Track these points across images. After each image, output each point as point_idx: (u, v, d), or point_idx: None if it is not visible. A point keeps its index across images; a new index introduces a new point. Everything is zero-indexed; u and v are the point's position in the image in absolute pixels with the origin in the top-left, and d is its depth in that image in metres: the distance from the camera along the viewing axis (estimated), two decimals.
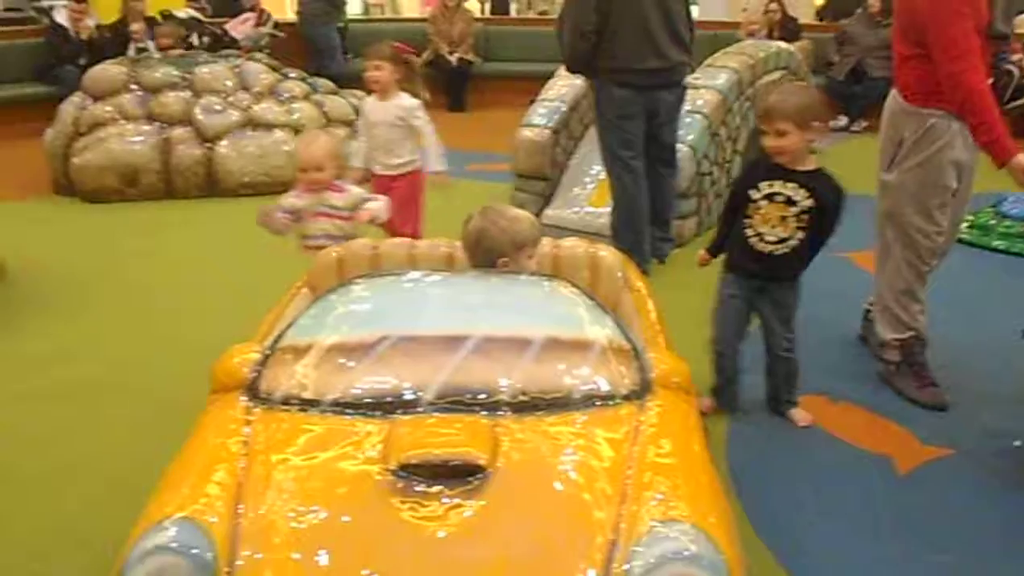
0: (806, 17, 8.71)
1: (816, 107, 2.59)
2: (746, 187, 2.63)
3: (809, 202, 2.55)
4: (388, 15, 12.60)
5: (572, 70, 3.98)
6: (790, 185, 2.55)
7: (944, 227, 2.96)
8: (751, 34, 7.58)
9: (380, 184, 3.59)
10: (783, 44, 5.61)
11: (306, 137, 3.14)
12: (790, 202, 2.56)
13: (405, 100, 3.64)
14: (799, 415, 2.80)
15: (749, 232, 2.63)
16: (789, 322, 2.78)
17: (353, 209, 2.96)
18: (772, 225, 2.59)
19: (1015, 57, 2.88)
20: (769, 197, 2.58)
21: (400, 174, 3.64)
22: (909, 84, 2.85)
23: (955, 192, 2.91)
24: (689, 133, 4.51)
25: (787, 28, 7.95)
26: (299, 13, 8.78)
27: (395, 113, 3.61)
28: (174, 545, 1.34)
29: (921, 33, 2.73)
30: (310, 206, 2.95)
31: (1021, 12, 2.74)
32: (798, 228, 2.59)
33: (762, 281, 2.71)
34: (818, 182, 2.57)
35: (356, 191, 3.04)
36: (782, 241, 2.61)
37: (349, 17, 8.81)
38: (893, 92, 2.95)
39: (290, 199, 2.99)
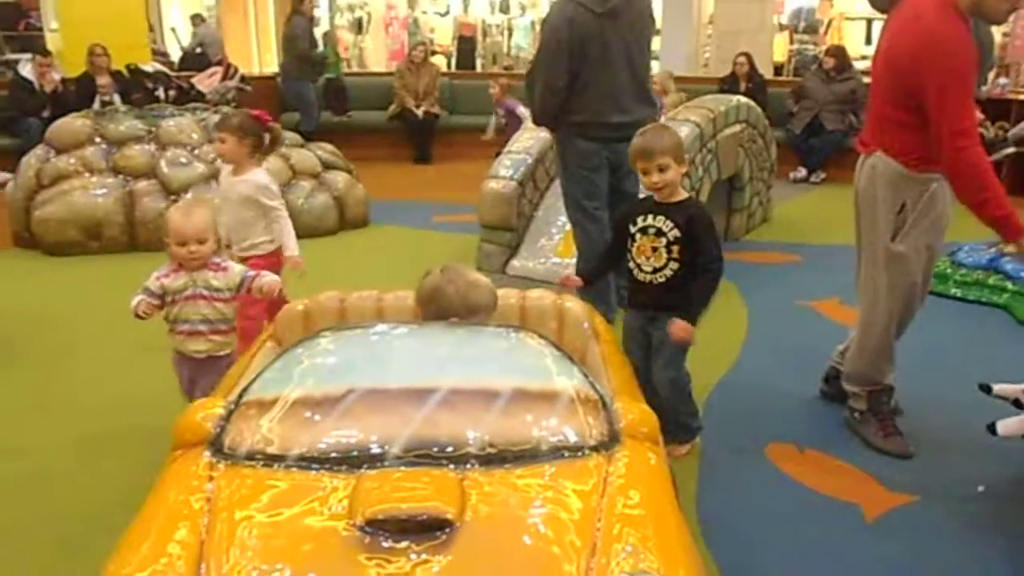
0: (766, 72, 8.96)
1: (683, 144, 2.82)
2: (626, 222, 2.82)
3: (676, 232, 2.70)
4: (355, 69, 12.73)
5: (540, 123, 4.05)
6: (659, 217, 2.73)
7: (905, 321, 3.00)
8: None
9: None
10: (743, 98, 5.76)
11: (182, 207, 2.70)
12: (660, 233, 2.73)
13: (258, 176, 3.27)
14: (674, 450, 2.78)
15: (631, 264, 2.81)
16: (673, 360, 2.83)
17: (235, 290, 2.65)
18: (646, 256, 2.76)
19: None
20: (643, 230, 2.76)
21: (251, 255, 3.21)
22: (907, 151, 2.74)
23: None
24: None
25: (753, 81, 8.19)
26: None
27: (242, 190, 3.24)
28: None
29: (919, 99, 2.62)
30: (183, 287, 2.60)
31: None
32: (669, 259, 2.73)
33: (652, 311, 2.81)
34: (685, 212, 2.72)
35: (237, 268, 2.69)
36: (656, 271, 2.75)
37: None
38: (882, 157, 2.81)
39: (158, 280, 2.61)
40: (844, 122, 7.78)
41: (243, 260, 3.09)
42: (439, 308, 2.16)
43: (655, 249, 2.72)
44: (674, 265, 2.72)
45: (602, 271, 3.11)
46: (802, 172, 7.90)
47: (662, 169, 2.67)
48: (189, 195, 5.45)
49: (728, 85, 8.11)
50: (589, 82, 3.75)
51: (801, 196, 7.31)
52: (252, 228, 3.27)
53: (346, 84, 9.07)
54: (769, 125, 6.03)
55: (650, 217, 2.74)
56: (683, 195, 2.76)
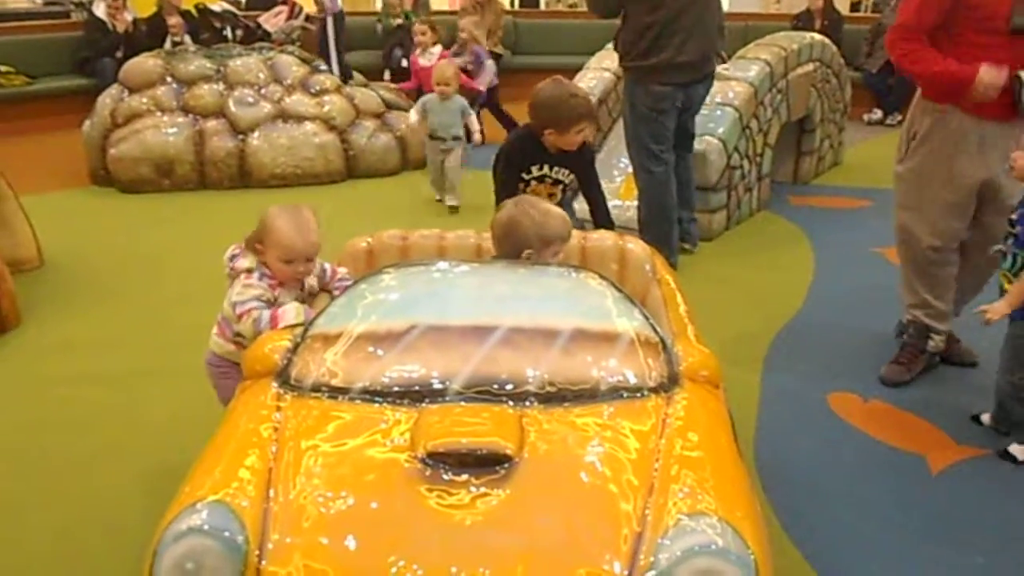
0: (843, 8, 8.57)
1: None
2: (518, 170, 3.01)
3: (571, 177, 3.03)
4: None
5: (597, 10, 3.96)
6: (556, 168, 2.99)
7: (940, 237, 2.90)
8: None
9: None
10: (817, 36, 5.53)
11: (290, 216, 2.18)
12: (556, 183, 3.02)
13: None
14: None
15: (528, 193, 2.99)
16: None
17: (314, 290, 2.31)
18: (543, 196, 2.90)
19: None
20: (539, 178, 2.99)
21: None
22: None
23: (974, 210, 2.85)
24: (720, 126, 4.47)
25: (829, 18, 7.84)
26: None
27: None
28: (206, 527, 1.36)
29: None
30: (280, 300, 2.21)
31: None
32: (562, 195, 3.09)
33: None
34: (574, 156, 2.97)
35: (315, 265, 2.28)
36: None
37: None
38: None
39: (261, 290, 2.17)
40: None
41: None
42: (515, 240, 2.17)
43: (551, 195, 2.97)
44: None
45: None
46: (877, 114, 7.60)
47: (580, 132, 2.90)
48: (257, 134, 5.57)
49: (802, 22, 7.80)
50: (667, 23, 3.69)
51: (875, 139, 7.04)
52: None
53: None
54: (844, 64, 5.78)
55: (546, 167, 2.96)
56: None
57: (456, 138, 5.07)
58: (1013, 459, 2.53)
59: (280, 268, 2.17)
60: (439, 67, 5.25)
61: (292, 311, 2.10)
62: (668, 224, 4.01)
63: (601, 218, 3.07)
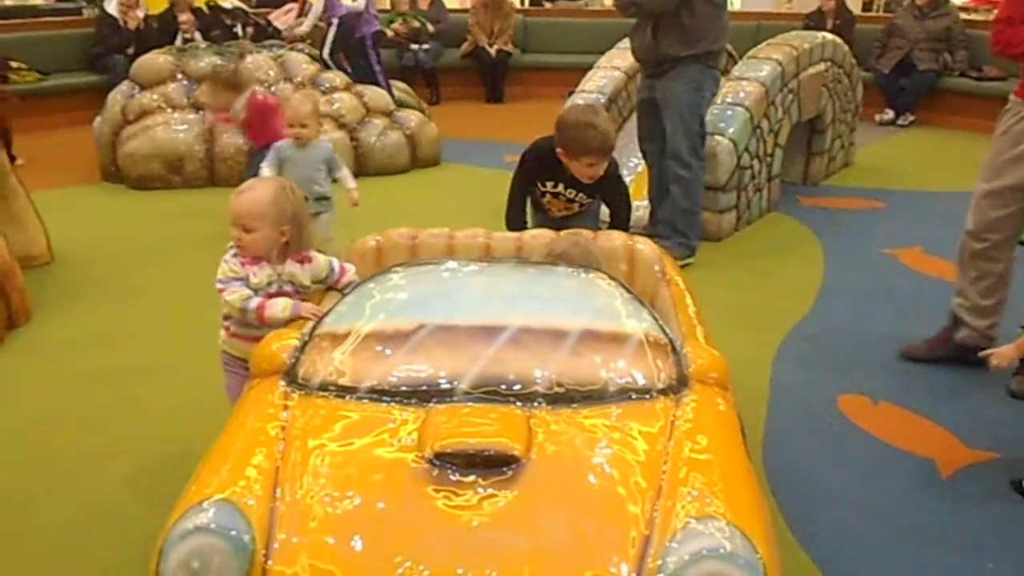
0: (855, 8, 8.53)
1: None
2: (533, 179, 2.99)
3: (586, 198, 3.00)
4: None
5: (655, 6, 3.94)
6: (570, 190, 2.95)
7: (976, 224, 2.94)
8: None
9: None
10: (829, 35, 5.50)
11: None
12: (571, 201, 3.00)
13: None
14: None
15: (542, 202, 3.07)
16: None
17: (322, 283, 2.25)
18: (556, 210, 3.05)
19: None
20: (554, 194, 2.97)
21: None
22: None
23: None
24: (730, 126, 4.46)
25: (841, 18, 7.80)
26: None
27: None
28: (213, 526, 1.36)
29: None
30: (267, 282, 2.16)
31: None
32: (580, 209, 3.07)
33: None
34: (596, 183, 2.91)
35: (323, 259, 2.24)
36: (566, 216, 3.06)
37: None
38: None
39: (238, 268, 2.15)
40: (938, 61, 7.36)
41: None
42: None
43: (567, 209, 3.01)
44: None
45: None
46: (889, 114, 7.55)
47: (592, 166, 2.84)
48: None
49: (814, 21, 7.77)
50: (721, 6, 3.91)
51: (887, 139, 7.00)
52: None
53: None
54: (856, 64, 5.75)
55: (560, 186, 2.93)
56: None
57: (322, 199, 3.56)
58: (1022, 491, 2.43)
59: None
60: (292, 103, 3.63)
61: (279, 304, 2.10)
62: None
63: (619, 223, 3.03)
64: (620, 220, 3.03)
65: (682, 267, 3.97)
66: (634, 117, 4.59)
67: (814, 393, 2.95)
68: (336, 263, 2.28)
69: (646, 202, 4.44)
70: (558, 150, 2.86)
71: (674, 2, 3.81)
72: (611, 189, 3.00)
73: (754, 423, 2.69)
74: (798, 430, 2.73)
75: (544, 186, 2.93)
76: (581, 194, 2.95)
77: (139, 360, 3.21)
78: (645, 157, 4.39)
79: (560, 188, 2.91)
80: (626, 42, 5.54)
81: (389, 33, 8.38)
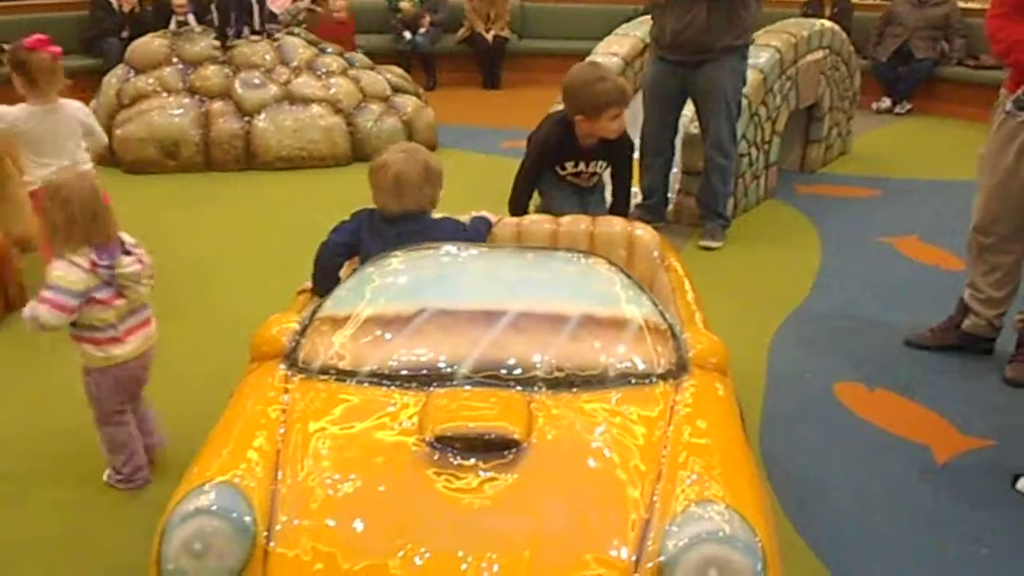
0: None
1: None
2: (551, 164, 2.94)
3: (605, 163, 2.97)
4: None
5: None
6: (592, 163, 2.92)
7: (982, 218, 2.92)
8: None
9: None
10: (827, 23, 5.49)
11: None
12: (593, 174, 2.99)
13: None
14: None
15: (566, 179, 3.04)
16: None
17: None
18: (582, 182, 3.01)
19: None
20: (575, 174, 2.93)
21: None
22: None
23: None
24: None
25: (839, 5, 7.77)
26: None
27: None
28: (214, 508, 1.36)
29: None
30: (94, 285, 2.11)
31: None
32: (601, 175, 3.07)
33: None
34: (610, 147, 2.88)
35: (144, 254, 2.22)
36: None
37: None
38: None
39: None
40: (935, 49, 7.35)
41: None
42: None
43: (590, 177, 3.00)
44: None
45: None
46: (886, 102, 7.54)
47: (616, 117, 2.81)
48: (263, 115, 5.51)
49: (812, 9, 7.72)
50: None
51: (884, 128, 6.99)
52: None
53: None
54: (854, 52, 5.74)
55: (581, 164, 2.90)
56: None
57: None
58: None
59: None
60: None
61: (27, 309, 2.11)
62: (663, 196, 4.35)
63: (620, 204, 3.03)
64: (620, 201, 3.01)
65: (713, 251, 4.04)
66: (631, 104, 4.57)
67: (810, 380, 2.96)
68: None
69: (635, 189, 4.42)
70: (577, 118, 2.79)
71: None
72: (621, 161, 2.98)
73: (751, 409, 2.69)
74: (795, 416, 2.74)
75: (564, 168, 2.89)
76: (601, 162, 2.94)
77: None
78: (645, 150, 4.22)
79: (581, 167, 2.88)
80: (624, 28, 5.54)
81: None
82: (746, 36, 3.97)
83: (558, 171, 2.90)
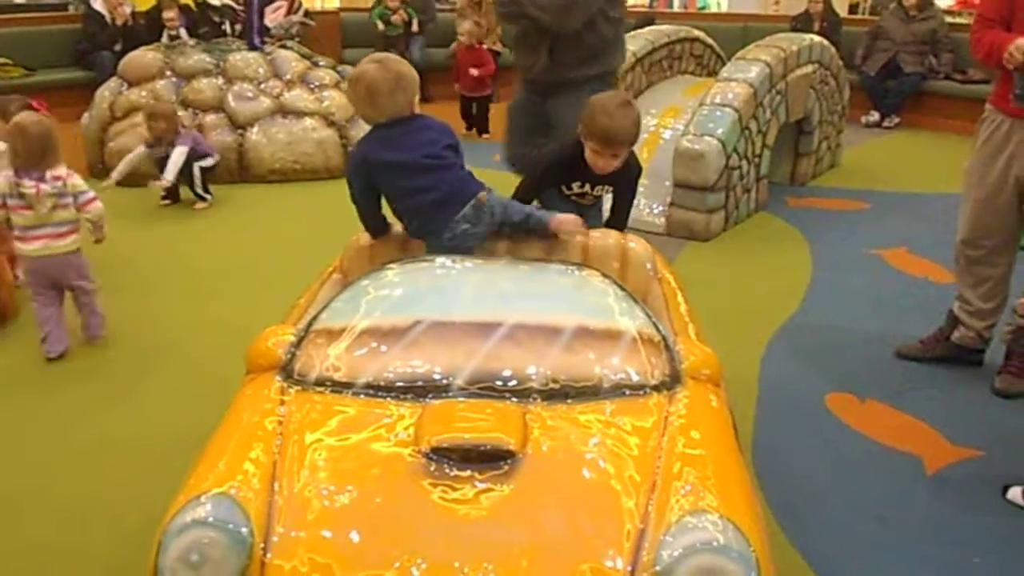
0: (841, 10, 8.59)
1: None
2: (556, 183, 2.84)
3: (611, 187, 2.84)
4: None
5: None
6: (598, 187, 2.82)
7: (970, 232, 2.96)
8: None
9: None
10: (816, 38, 5.55)
11: None
12: (597, 197, 2.89)
13: None
14: None
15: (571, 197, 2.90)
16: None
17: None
18: (587, 202, 2.90)
19: None
20: (579, 195, 2.83)
21: None
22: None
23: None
24: (719, 127, 4.49)
25: (828, 20, 7.85)
26: None
27: None
28: (211, 520, 1.36)
29: None
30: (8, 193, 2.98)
31: None
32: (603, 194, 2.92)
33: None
34: (619, 174, 2.74)
35: None
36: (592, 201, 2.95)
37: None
38: None
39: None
40: (923, 64, 7.43)
41: None
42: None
43: (595, 198, 2.90)
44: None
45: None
46: (875, 116, 7.62)
47: (616, 156, 2.65)
48: (256, 128, 5.53)
49: (801, 24, 7.81)
50: (620, 21, 3.61)
51: (872, 141, 7.06)
52: None
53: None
54: (843, 66, 5.80)
55: (587, 186, 2.80)
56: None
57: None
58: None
59: None
60: None
61: None
62: None
63: (618, 222, 2.89)
64: (619, 218, 2.90)
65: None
66: None
67: (802, 391, 2.98)
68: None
69: None
70: (588, 144, 2.66)
71: (579, 22, 3.37)
72: (627, 184, 2.86)
73: (743, 420, 2.70)
74: (786, 427, 2.76)
75: (570, 189, 2.84)
76: (605, 186, 2.86)
77: (128, 356, 3.20)
78: (515, 165, 3.85)
79: (587, 188, 2.82)
80: None
81: (380, 26, 8.36)
82: (599, 65, 3.50)
83: (563, 190, 2.84)
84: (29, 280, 3.15)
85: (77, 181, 3.15)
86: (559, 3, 3.33)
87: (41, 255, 3.06)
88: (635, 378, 1.69)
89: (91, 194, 3.21)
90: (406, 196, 2.33)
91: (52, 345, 3.13)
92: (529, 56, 3.61)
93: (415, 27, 8.49)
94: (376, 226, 2.45)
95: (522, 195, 2.77)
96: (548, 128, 3.59)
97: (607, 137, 2.58)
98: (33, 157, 3.01)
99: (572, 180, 2.79)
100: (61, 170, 3.09)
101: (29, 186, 3.00)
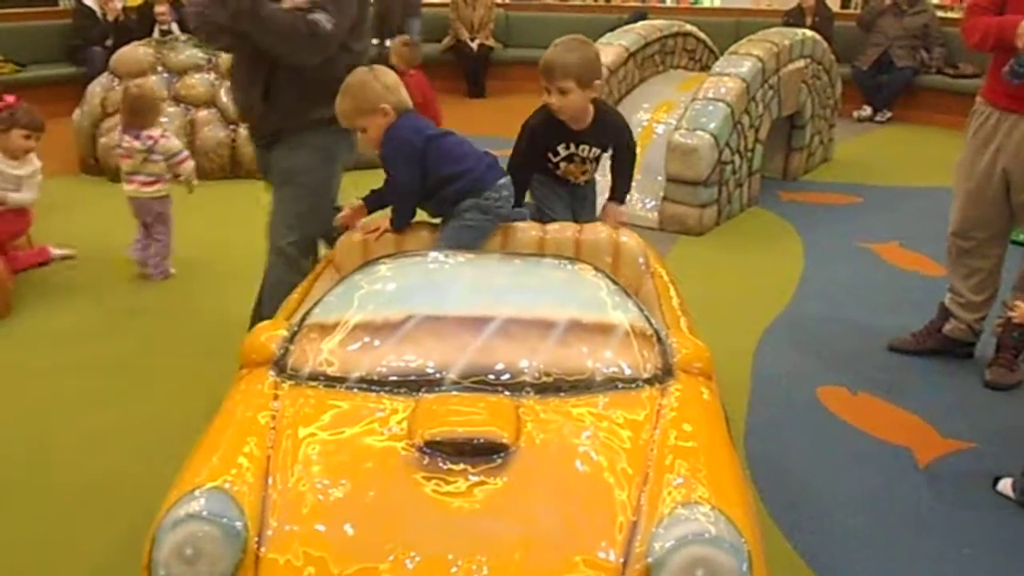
0: (833, 5, 8.60)
1: (597, 64, 2.58)
2: (543, 151, 2.69)
3: (599, 150, 2.70)
4: None
5: None
6: (583, 147, 2.66)
7: (960, 224, 2.99)
8: None
9: None
10: (808, 32, 5.56)
11: None
12: (585, 160, 2.70)
13: None
14: None
15: (558, 174, 2.74)
16: None
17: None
18: (575, 176, 2.74)
19: None
20: (568, 159, 2.68)
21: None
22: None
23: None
24: (711, 121, 4.50)
25: (820, 15, 7.87)
26: None
27: None
28: (205, 514, 1.36)
29: None
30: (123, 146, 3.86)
31: None
32: (596, 168, 2.77)
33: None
34: (604, 132, 2.66)
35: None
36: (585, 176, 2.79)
37: None
38: None
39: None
40: (915, 58, 7.46)
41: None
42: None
43: (584, 171, 2.73)
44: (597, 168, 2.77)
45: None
46: (867, 111, 7.63)
47: (564, 92, 2.50)
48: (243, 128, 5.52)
49: (793, 18, 7.82)
50: (361, 53, 2.86)
51: (865, 135, 7.08)
52: None
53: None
54: (835, 61, 5.82)
55: (572, 146, 2.66)
56: (591, 113, 2.62)
57: None
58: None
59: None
60: None
61: None
62: None
63: (619, 190, 2.80)
64: (619, 186, 2.81)
65: None
66: None
67: (794, 384, 3.00)
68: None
69: None
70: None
71: (318, 57, 2.60)
72: (618, 146, 2.77)
73: (736, 413, 2.71)
74: (779, 420, 2.77)
75: (557, 154, 2.68)
76: (595, 148, 2.71)
77: (120, 353, 3.20)
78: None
79: (573, 148, 2.66)
80: (608, 37, 5.58)
81: None
82: (326, 109, 2.54)
83: (551, 158, 2.70)
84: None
85: (170, 143, 3.85)
86: (302, 27, 2.52)
87: (132, 196, 3.82)
88: (627, 371, 1.70)
89: (184, 154, 3.91)
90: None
91: (143, 267, 3.90)
92: (241, 95, 2.84)
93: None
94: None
95: (512, 169, 2.70)
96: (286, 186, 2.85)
97: (544, 68, 2.51)
98: (131, 118, 3.80)
99: (557, 143, 2.67)
100: (155, 131, 3.81)
101: (127, 140, 3.79)
